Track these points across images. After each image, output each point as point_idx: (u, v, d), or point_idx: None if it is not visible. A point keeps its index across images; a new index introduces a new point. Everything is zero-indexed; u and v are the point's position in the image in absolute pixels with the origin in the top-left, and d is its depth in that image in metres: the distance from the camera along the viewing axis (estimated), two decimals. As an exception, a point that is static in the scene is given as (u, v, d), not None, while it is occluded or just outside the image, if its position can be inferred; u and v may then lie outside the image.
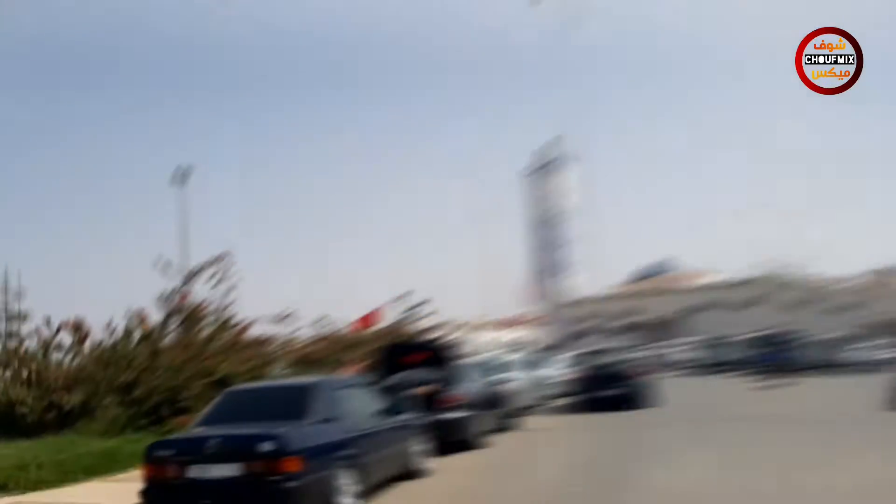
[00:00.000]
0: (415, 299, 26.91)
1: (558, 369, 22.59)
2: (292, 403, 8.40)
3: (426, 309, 27.48)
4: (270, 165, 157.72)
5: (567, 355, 24.56)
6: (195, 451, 7.57)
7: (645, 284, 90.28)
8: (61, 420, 10.96)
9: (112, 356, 11.69)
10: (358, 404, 9.11)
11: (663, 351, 44.23)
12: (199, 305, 13.01)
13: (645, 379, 17.88)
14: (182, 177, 37.63)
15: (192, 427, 8.81)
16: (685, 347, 43.46)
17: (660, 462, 10.19)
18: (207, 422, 8.42)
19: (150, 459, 7.66)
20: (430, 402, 11.84)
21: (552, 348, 64.30)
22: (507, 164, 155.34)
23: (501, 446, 12.86)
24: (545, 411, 19.15)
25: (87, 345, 12.37)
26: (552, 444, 13.10)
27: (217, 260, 13.54)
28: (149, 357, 11.68)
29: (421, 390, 11.98)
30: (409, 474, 9.78)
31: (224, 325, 13.58)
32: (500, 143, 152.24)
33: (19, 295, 13.53)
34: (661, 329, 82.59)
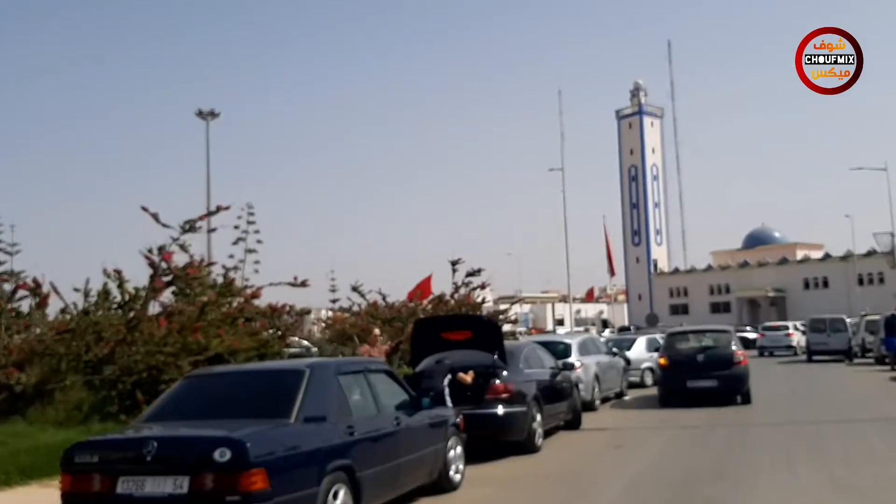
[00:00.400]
0: (469, 267, 25.37)
1: (642, 353, 20.57)
2: (270, 395, 6.72)
3: (482, 278, 25.86)
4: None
5: (653, 336, 22.42)
6: (129, 457, 5.92)
7: (747, 255, 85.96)
8: (12, 404, 9.60)
9: (79, 325, 10.24)
10: (364, 397, 7.36)
11: (769, 333, 40.89)
12: (191, 263, 11.41)
13: (747, 367, 15.61)
14: (209, 115, 38.11)
15: (136, 422, 7.26)
16: (796, 329, 40.15)
17: (770, 482, 8.16)
18: (157, 416, 6.80)
19: (69, 467, 6.08)
20: (473, 393, 10.13)
21: (637, 327, 62.01)
22: (595, 116, 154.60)
23: (563, 450, 10.99)
24: (623, 405, 17.15)
25: (55, 311, 11.04)
26: (628, 448, 11.13)
27: (219, 210, 11.95)
28: (125, 327, 10.17)
29: (461, 377, 10.27)
30: (434, 487, 8.09)
31: (227, 289, 12.06)
32: (586, 93, 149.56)
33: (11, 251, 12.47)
34: (766, 307, 78.83)
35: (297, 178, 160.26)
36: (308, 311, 18.88)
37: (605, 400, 16.87)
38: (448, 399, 9.69)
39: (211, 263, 12.77)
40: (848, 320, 32.19)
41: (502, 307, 28.23)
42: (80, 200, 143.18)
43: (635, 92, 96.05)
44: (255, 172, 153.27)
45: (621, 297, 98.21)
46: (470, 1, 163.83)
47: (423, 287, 36.36)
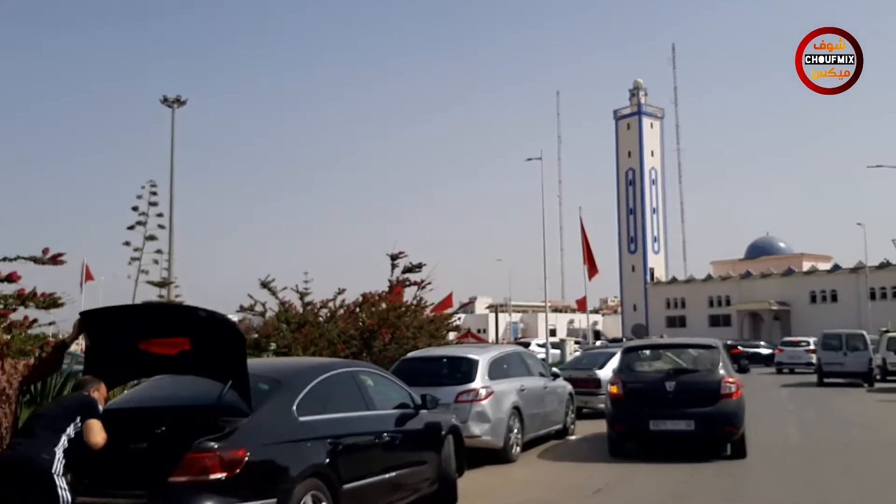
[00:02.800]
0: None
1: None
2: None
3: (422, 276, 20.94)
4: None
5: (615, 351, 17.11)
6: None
7: (749, 266, 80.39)
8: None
9: None
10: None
11: (788, 348, 35.83)
12: None
13: (741, 401, 10.31)
14: (175, 102, 34.91)
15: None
16: (802, 347, 34.97)
17: None
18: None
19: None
20: (148, 467, 4.87)
21: (629, 339, 56.62)
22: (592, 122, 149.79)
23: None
24: (561, 451, 11.82)
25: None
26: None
27: None
28: None
29: (89, 428, 4.97)
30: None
31: None
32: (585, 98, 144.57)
33: None
34: (769, 321, 73.31)
35: (273, 180, 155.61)
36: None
37: (536, 442, 11.61)
38: (62, 490, 4.47)
39: None
40: (868, 337, 26.80)
41: (449, 311, 22.86)
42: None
43: (635, 92, 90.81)
44: (230, 166, 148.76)
45: (625, 305, 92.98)
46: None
47: (398, 291, 32.71)
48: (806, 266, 76.30)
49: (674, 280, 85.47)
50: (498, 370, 10.77)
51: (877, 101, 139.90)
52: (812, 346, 31.87)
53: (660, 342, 12.44)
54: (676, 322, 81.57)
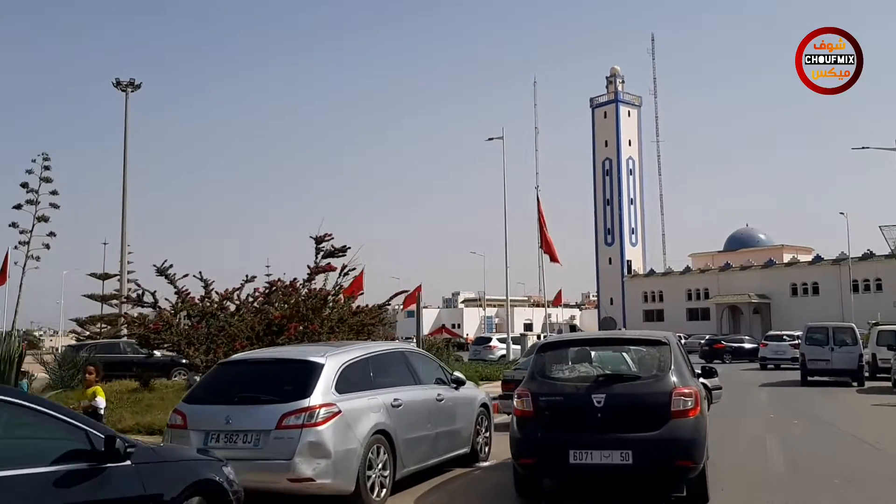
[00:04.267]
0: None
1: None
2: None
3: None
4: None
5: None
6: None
7: (729, 258, 77.54)
8: None
9: None
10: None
11: (772, 343, 33.19)
12: None
13: (699, 420, 7.07)
14: (129, 86, 35.70)
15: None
16: (787, 341, 32.26)
17: None
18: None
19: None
20: None
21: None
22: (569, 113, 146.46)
23: None
24: (458, 487, 8.56)
25: None
26: None
27: None
28: None
29: None
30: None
31: None
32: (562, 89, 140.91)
33: None
34: (748, 314, 70.49)
35: (237, 174, 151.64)
36: None
37: (426, 475, 8.38)
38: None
39: None
40: (858, 330, 23.80)
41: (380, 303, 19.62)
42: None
43: (611, 79, 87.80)
44: (193, 160, 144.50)
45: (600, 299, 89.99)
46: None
47: (354, 283, 29.54)
48: (787, 258, 73.65)
49: (651, 273, 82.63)
50: (356, 379, 7.53)
51: (860, 92, 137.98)
52: (798, 341, 28.97)
53: (587, 336, 9.10)
54: (654, 316, 78.80)
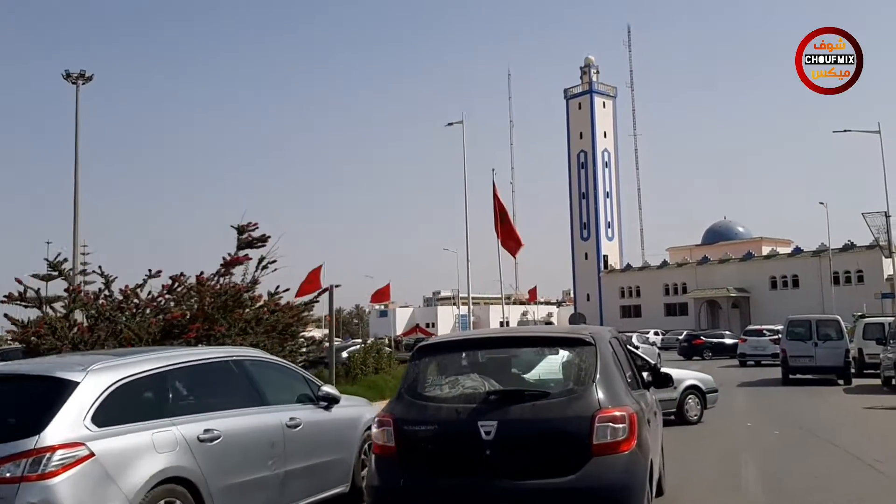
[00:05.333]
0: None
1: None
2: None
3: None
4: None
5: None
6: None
7: (707, 251, 75.70)
8: None
9: None
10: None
11: (752, 338, 31.51)
12: None
13: (635, 457, 4.76)
14: (80, 78, 32.34)
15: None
16: (768, 336, 30.51)
17: None
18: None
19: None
20: None
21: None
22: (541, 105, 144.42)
23: None
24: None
25: None
26: None
27: None
28: None
29: None
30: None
31: None
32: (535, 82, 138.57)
33: None
34: (727, 309, 68.53)
35: (192, 167, 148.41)
36: None
37: None
38: None
39: None
40: (843, 323, 21.72)
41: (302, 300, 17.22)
42: None
43: (586, 69, 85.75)
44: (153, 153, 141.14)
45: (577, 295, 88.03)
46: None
47: (312, 279, 28.16)
48: (765, 250, 71.97)
49: (628, 267, 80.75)
50: (140, 404, 5.20)
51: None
52: (780, 336, 26.91)
53: (481, 335, 6.57)
54: (631, 311, 76.97)
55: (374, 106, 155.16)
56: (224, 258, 15.42)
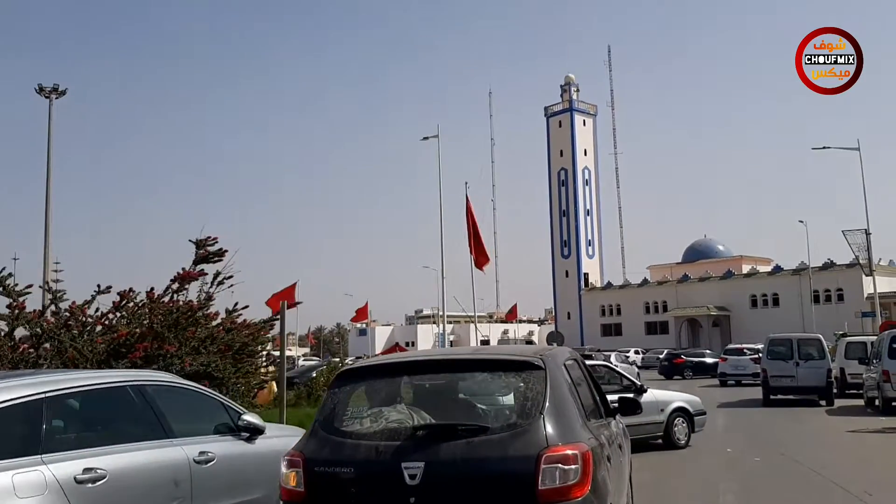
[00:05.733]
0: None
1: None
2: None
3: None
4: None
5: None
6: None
7: (687, 269, 75.41)
8: None
9: None
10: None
11: (732, 357, 31.24)
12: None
13: (587, 500, 3.97)
14: (53, 92, 32.52)
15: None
16: (748, 355, 30.08)
17: None
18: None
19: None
20: None
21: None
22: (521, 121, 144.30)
23: None
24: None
25: None
26: None
27: None
28: None
29: None
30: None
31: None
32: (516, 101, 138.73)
33: None
34: (707, 327, 68.04)
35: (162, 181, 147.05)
36: None
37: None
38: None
39: None
40: (825, 342, 21.09)
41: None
42: None
43: (566, 87, 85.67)
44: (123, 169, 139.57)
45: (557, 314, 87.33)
46: None
47: (285, 296, 25.87)
48: (746, 269, 71.78)
49: (609, 286, 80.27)
50: (3, 437, 4.34)
51: (817, 99, 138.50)
52: (759, 355, 26.27)
53: (411, 357, 5.64)
54: (612, 330, 76.40)
55: (356, 121, 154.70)
56: (178, 274, 14.60)
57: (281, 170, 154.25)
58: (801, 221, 58.14)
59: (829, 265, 62.25)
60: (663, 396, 12.65)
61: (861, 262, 36.45)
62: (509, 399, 4.43)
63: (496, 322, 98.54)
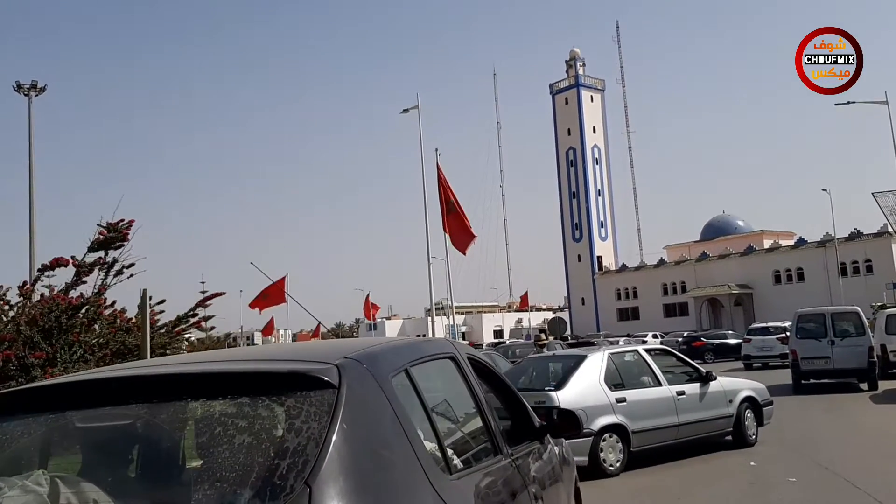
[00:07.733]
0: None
1: (588, 395, 8.44)
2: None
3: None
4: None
5: (611, 351, 10.14)
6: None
7: (706, 247, 72.25)
8: None
9: None
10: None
11: (756, 337, 28.83)
12: None
13: None
14: (32, 89, 31.40)
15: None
16: (774, 335, 27.41)
17: None
18: None
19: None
20: None
21: (577, 338, 47.32)
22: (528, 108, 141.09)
23: None
24: None
25: None
26: None
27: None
28: None
29: None
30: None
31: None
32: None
33: None
34: (729, 307, 64.96)
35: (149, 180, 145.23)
36: None
37: None
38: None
39: None
40: (864, 316, 18.16)
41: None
42: None
43: (571, 63, 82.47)
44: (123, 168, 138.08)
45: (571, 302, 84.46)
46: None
47: (273, 291, 27.19)
48: (767, 243, 68.40)
49: (623, 268, 77.19)
50: None
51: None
52: (787, 334, 23.23)
53: (91, 376, 2.87)
54: (629, 314, 73.38)
55: (364, 106, 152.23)
56: (75, 264, 11.94)
57: (295, 165, 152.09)
58: (825, 190, 54.83)
59: (855, 235, 58.87)
60: (731, 385, 10.57)
61: (893, 227, 33.29)
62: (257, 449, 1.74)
63: (511, 311, 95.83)
